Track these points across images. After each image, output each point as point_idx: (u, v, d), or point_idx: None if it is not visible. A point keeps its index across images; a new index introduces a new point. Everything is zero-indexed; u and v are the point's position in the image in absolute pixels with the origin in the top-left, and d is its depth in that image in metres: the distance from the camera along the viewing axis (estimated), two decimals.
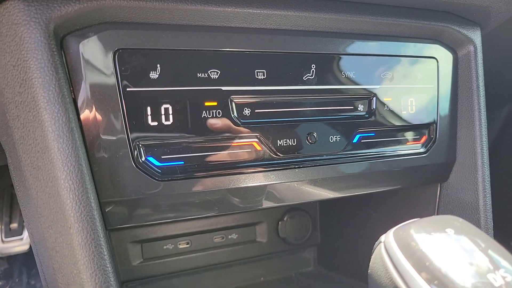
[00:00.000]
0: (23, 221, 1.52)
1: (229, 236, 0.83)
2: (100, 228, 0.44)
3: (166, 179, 0.49)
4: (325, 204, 0.92)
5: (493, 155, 2.02)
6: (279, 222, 0.87)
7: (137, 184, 0.47)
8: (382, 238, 0.39)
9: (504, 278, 0.34)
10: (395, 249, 0.37)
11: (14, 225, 1.49)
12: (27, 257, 1.60)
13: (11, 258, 1.60)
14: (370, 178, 0.62)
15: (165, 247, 0.78)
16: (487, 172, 0.66)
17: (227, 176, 0.52)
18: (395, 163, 0.63)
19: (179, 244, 0.79)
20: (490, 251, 0.36)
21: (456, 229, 0.37)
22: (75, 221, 0.42)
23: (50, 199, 0.43)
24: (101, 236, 0.44)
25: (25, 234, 1.50)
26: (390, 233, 0.38)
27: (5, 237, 1.47)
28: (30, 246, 1.48)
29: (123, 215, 0.48)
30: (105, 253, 0.44)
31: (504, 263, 0.36)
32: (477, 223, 0.66)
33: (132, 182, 0.47)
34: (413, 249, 0.36)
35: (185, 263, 0.80)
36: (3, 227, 1.48)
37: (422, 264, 0.35)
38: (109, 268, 0.43)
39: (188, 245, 0.80)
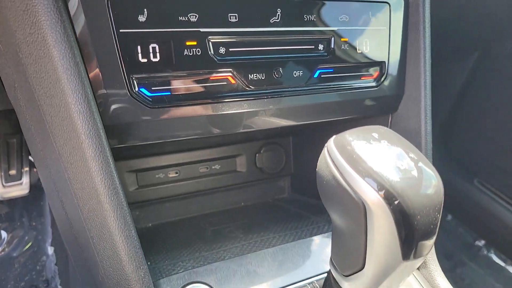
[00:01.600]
0: (21, 168, 1.62)
1: (213, 167, 0.95)
2: (106, 144, 0.54)
3: (156, 106, 0.59)
4: (297, 138, 1.03)
5: (462, 100, 2.16)
6: (256, 154, 0.99)
7: (133, 110, 0.58)
8: (326, 144, 0.51)
9: (418, 166, 0.46)
10: (334, 150, 0.48)
11: (12, 172, 1.58)
12: (27, 202, 1.71)
13: (12, 203, 1.70)
14: (329, 107, 0.73)
15: (157, 176, 0.90)
16: (429, 103, 0.78)
17: (207, 105, 0.62)
18: (351, 95, 0.74)
19: (169, 173, 0.91)
20: (409, 152, 0.48)
21: (380, 134, 0.49)
22: (86, 137, 0.53)
23: (64, 121, 0.53)
24: (107, 150, 0.54)
25: (24, 179, 1.60)
26: (331, 139, 0.50)
27: (5, 182, 1.56)
28: (29, 191, 1.59)
29: (122, 136, 0.59)
30: (111, 164, 0.55)
31: (418, 156, 0.48)
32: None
33: (128, 109, 0.57)
34: (347, 148, 0.47)
35: (175, 189, 0.92)
36: (2, 173, 1.57)
37: (353, 160, 0.46)
38: (115, 176, 0.55)
39: (177, 174, 0.91)
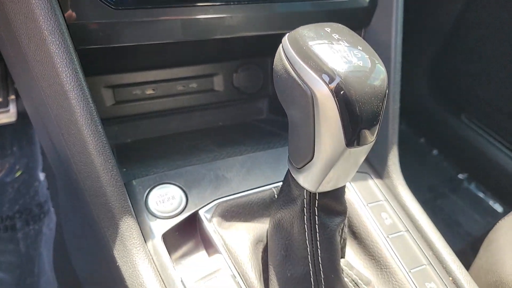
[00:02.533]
0: (8, 96, 1.63)
1: (190, 85, 0.96)
2: (69, 42, 0.55)
3: (120, 8, 0.59)
4: None
5: (454, 34, 2.13)
6: (234, 74, 1.00)
7: (96, 10, 0.58)
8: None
9: (364, 59, 0.48)
10: (287, 44, 0.50)
11: None
12: (16, 131, 1.73)
13: (1, 132, 1.72)
14: (301, 18, 0.74)
15: (134, 92, 0.91)
16: (401, 15, 0.78)
17: (173, 9, 0.63)
18: (324, 5, 0.74)
19: (146, 90, 0.92)
20: (358, 46, 0.49)
21: (333, 29, 0.50)
22: (49, 34, 0.54)
23: (27, 19, 0.54)
24: (71, 48, 0.56)
25: (11, 107, 1.61)
26: (286, 35, 0.51)
27: None
28: (17, 119, 1.61)
29: (87, 37, 0.60)
30: (75, 61, 0.56)
31: (365, 50, 0.49)
32: (388, 59, 0.80)
33: (91, 8, 0.58)
34: (299, 42, 0.49)
35: (152, 106, 0.93)
36: None
37: (303, 52, 0.48)
38: (79, 71, 0.56)
39: (154, 92, 0.92)
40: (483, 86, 2.07)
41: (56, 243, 1.42)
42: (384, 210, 0.77)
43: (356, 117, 0.46)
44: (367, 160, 0.86)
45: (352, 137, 0.48)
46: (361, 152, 0.51)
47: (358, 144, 0.49)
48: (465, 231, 2.18)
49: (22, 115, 1.61)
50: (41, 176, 1.72)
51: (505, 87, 1.93)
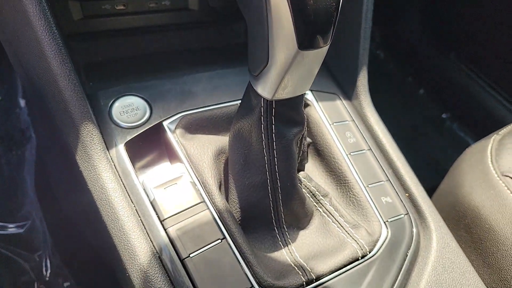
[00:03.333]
0: None
1: (162, 2, 0.93)
2: None
3: None
4: None
5: None
6: None
7: None
8: None
9: None
10: None
11: None
12: None
13: None
14: None
15: (103, 7, 0.88)
16: None
17: None
18: None
19: (117, 5, 0.89)
20: None
21: None
22: None
23: None
24: None
25: None
26: None
27: None
28: None
29: None
30: None
31: None
32: None
33: None
34: None
35: (123, 23, 0.91)
36: None
37: None
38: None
39: (124, 7, 0.90)
40: (475, 27, 2.03)
41: (37, 167, 1.44)
42: (349, 130, 0.78)
43: (308, 17, 0.45)
44: (336, 80, 0.86)
45: (304, 39, 0.47)
46: (315, 57, 0.51)
47: (311, 47, 0.48)
48: (444, 169, 2.24)
49: None
50: (22, 102, 1.70)
51: (498, 29, 1.90)
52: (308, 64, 0.51)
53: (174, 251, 0.59)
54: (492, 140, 0.91)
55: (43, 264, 1.34)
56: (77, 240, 1.19)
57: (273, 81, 0.53)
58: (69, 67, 0.60)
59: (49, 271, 1.34)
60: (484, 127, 1.54)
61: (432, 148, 2.23)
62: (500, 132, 0.94)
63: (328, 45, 0.50)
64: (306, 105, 0.80)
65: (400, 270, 0.66)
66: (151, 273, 0.56)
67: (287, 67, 0.50)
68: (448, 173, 0.96)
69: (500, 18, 1.94)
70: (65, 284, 1.34)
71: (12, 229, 1.46)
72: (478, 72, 2.13)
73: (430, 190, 1.05)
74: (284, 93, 0.55)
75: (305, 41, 0.47)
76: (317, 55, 0.50)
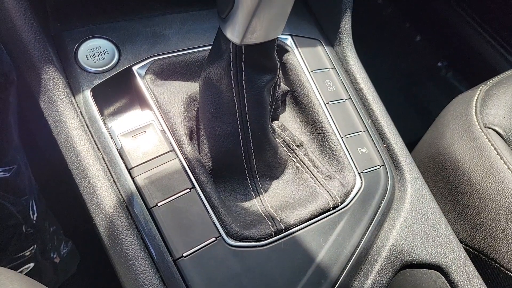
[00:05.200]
0: None
1: None
2: None
3: None
4: None
5: None
6: None
7: None
8: None
9: None
10: None
11: None
12: None
13: None
14: None
15: None
16: None
17: None
18: None
19: None
20: None
21: None
22: None
23: None
24: None
25: None
26: None
27: None
28: None
29: None
30: None
31: None
32: None
33: None
34: None
35: None
36: None
37: None
38: None
39: None
40: None
41: (19, 110, 1.42)
42: (329, 78, 0.75)
43: None
44: (319, 25, 0.81)
45: None
46: None
47: None
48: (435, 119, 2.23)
49: None
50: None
51: None
52: (276, 6, 0.48)
53: (141, 200, 0.58)
54: (479, 91, 0.89)
55: (30, 208, 1.36)
56: (61, 186, 1.19)
57: (241, 24, 0.49)
58: (25, 5, 0.56)
59: (35, 215, 1.36)
60: (479, 76, 1.51)
61: (425, 97, 2.21)
62: (488, 82, 0.91)
63: None
64: (285, 51, 0.76)
65: (372, 221, 0.66)
66: (117, 222, 0.56)
67: (255, 7, 0.47)
68: (433, 123, 0.95)
69: None
70: (51, 228, 1.36)
71: None
72: (478, 19, 2.05)
73: (419, 140, 1.04)
74: (254, 38, 0.51)
75: None
76: None
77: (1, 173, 1.47)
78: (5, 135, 1.55)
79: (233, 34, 0.52)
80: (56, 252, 1.37)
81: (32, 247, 1.41)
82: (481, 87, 0.90)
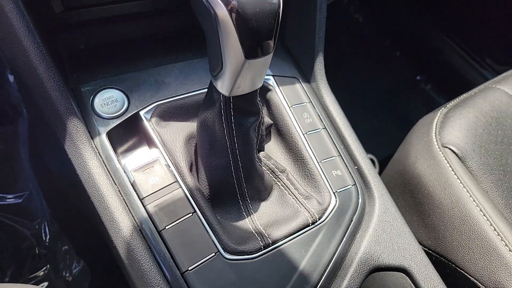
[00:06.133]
0: None
1: None
2: None
3: None
4: None
5: None
6: None
7: None
8: None
9: None
10: None
11: None
12: None
13: None
14: None
15: None
16: None
17: None
18: None
19: None
20: None
21: None
22: None
23: None
24: None
25: None
26: None
27: None
28: None
29: None
30: None
31: None
32: None
33: None
34: None
35: (102, 12, 0.97)
36: None
37: None
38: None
39: None
40: None
41: (30, 142, 1.53)
42: (306, 111, 0.88)
43: (249, 33, 0.54)
44: (297, 66, 0.95)
45: (249, 51, 0.56)
46: (261, 64, 0.60)
47: (256, 57, 0.57)
48: None
49: None
50: (10, 78, 1.75)
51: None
52: (255, 69, 0.61)
53: (152, 224, 0.70)
54: (439, 113, 1.02)
55: (42, 231, 1.47)
56: (73, 210, 1.31)
57: (228, 82, 0.62)
58: (54, 70, 0.69)
59: (48, 237, 1.47)
60: (456, 88, 1.65)
61: (406, 109, 2.34)
62: (447, 105, 1.05)
63: (272, 52, 0.59)
64: (268, 90, 0.89)
65: (346, 233, 0.78)
66: (133, 244, 0.68)
67: (238, 72, 0.60)
68: (402, 142, 1.08)
69: None
70: (64, 248, 1.47)
71: (11, 199, 1.57)
72: (452, 36, 2.20)
73: None
74: (239, 91, 0.64)
75: (250, 53, 0.56)
76: (263, 62, 0.59)
77: (13, 199, 1.58)
78: (16, 163, 1.67)
79: (222, 88, 0.65)
80: (68, 270, 1.48)
81: (45, 267, 1.51)
82: (441, 110, 1.03)
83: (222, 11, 0.53)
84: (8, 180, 1.60)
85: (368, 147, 1.87)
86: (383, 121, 2.21)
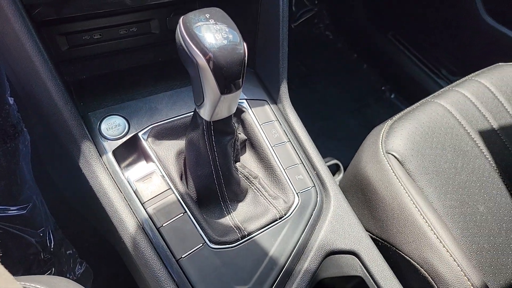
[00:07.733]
0: None
1: (131, 29, 1.18)
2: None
3: None
4: (202, 2, 1.26)
5: None
6: (167, 18, 1.22)
7: None
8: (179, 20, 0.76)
9: (230, 37, 0.74)
10: (181, 25, 0.75)
11: None
12: None
13: None
14: None
15: (84, 37, 1.13)
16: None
17: None
18: None
19: (94, 35, 1.14)
20: (227, 27, 0.75)
21: (211, 14, 0.75)
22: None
23: None
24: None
25: None
26: (181, 17, 0.76)
27: None
28: None
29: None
30: (30, 27, 0.80)
31: (232, 31, 0.75)
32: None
33: None
34: (187, 25, 0.73)
35: (101, 48, 1.16)
36: None
37: (189, 33, 0.73)
38: (37, 40, 0.80)
39: (101, 36, 1.14)
40: (410, 10, 2.31)
41: (33, 158, 1.69)
42: (274, 128, 1.08)
43: (223, 77, 0.73)
44: (266, 90, 1.15)
45: (223, 89, 0.75)
46: (232, 97, 0.79)
47: (229, 93, 0.77)
48: None
49: None
50: (10, 100, 1.90)
51: (428, 11, 2.18)
52: (229, 101, 0.80)
53: (152, 223, 0.89)
54: (386, 125, 1.23)
55: (47, 238, 1.62)
56: (77, 219, 1.48)
57: (209, 110, 0.81)
58: (71, 104, 0.87)
59: (52, 243, 1.62)
60: (415, 96, 1.87)
61: (374, 117, 2.56)
62: (393, 118, 1.26)
63: (241, 89, 0.79)
64: (242, 111, 1.08)
65: (307, 225, 0.98)
66: (138, 239, 0.87)
67: (216, 104, 0.79)
68: (357, 151, 1.28)
69: (427, 1, 2.22)
70: (67, 252, 1.63)
71: (14, 211, 1.71)
72: (410, 49, 2.43)
73: None
74: (217, 117, 0.83)
75: (224, 90, 0.76)
76: (235, 95, 0.79)
77: (17, 211, 1.74)
78: (18, 177, 1.82)
79: (204, 115, 0.83)
80: (72, 272, 1.63)
81: (49, 271, 1.66)
82: (387, 122, 1.24)
83: (201, 61, 0.72)
84: (12, 194, 1.74)
85: (341, 153, 2.11)
86: (354, 128, 2.42)
